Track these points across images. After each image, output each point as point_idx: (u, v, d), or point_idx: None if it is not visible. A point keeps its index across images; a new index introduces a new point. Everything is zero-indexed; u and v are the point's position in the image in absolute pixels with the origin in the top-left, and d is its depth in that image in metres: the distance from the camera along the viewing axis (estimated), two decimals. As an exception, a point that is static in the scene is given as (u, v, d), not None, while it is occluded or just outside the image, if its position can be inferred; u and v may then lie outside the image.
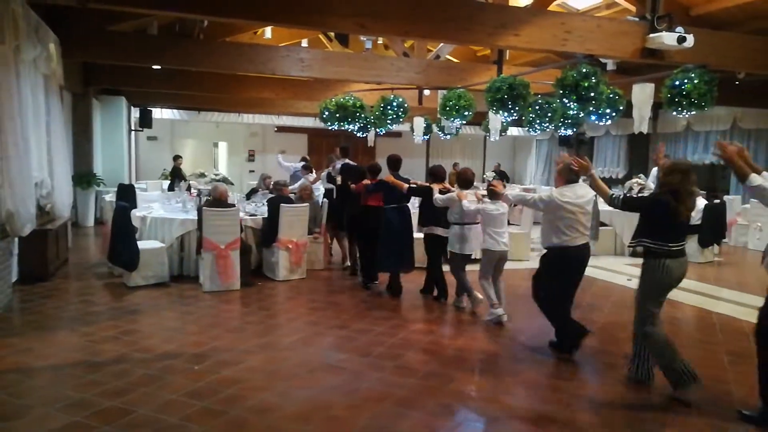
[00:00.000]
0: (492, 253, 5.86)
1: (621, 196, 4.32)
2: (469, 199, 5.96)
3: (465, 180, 6.29)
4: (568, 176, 4.74)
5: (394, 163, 7.10)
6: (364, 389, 4.12)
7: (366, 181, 7.05)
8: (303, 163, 10.67)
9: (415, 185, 6.69)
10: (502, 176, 16.58)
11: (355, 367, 4.56)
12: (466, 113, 8.53)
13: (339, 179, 8.11)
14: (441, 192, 6.25)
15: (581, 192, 4.78)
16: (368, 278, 7.22)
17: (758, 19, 8.66)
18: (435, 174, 6.72)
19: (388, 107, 9.35)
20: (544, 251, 4.98)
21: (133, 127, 15.02)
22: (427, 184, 6.64)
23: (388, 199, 6.78)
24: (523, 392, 4.22)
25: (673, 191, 3.99)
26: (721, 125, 13.13)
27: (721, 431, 3.65)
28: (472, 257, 6.35)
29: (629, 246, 4.87)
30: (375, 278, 7.21)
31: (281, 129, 18.56)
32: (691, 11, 9.27)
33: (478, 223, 6.05)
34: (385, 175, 6.93)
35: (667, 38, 5.96)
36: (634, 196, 4.33)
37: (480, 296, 6.16)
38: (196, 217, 6.96)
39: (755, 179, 3.66)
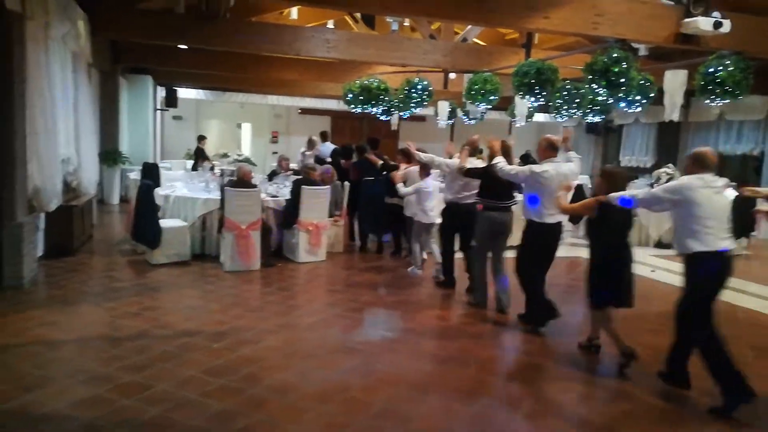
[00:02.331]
0: (422, 224, 6.87)
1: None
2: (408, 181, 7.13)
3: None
4: (545, 153, 5.09)
5: (373, 142, 8.99)
6: (381, 372, 4.12)
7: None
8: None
9: (384, 162, 7.86)
10: (526, 161, 16.36)
11: (372, 350, 4.56)
12: (492, 98, 8.40)
13: (329, 160, 9.35)
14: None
15: (564, 169, 5.07)
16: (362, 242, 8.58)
17: (800, 4, 8.34)
18: (404, 153, 7.60)
19: (413, 90, 9.24)
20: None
21: (158, 106, 15.12)
22: (394, 163, 7.82)
23: (366, 174, 8.13)
24: (536, 379, 4.17)
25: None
26: (755, 115, 12.72)
27: (739, 427, 3.57)
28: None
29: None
30: (363, 245, 8.50)
31: (305, 111, 18.52)
32: (728, -4, 8.97)
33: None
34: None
35: (703, 23, 5.77)
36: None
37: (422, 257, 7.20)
38: (219, 197, 7.00)
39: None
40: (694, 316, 3.82)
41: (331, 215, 7.83)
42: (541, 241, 5.10)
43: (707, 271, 3.75)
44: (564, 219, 5.15)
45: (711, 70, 6.11)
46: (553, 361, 4.59)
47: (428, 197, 6.80)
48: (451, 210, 6.32)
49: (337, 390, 3.78)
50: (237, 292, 5.97)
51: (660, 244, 9.80)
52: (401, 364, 4.31)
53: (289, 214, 7.40)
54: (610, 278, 4.34)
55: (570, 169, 5.12)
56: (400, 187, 6.98)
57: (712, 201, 3.76)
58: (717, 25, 5.74)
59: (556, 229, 5.09)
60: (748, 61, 6.14)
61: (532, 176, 5.01)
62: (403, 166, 7.48)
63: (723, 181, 3.92)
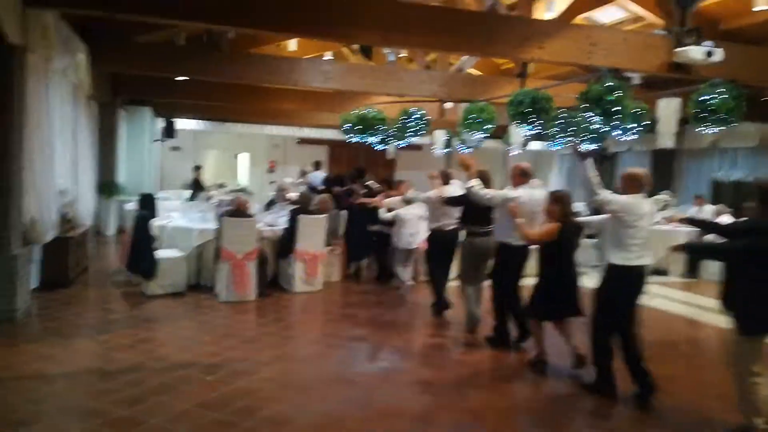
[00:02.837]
0: (399, 249, 7.44)
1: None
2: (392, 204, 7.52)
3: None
4: (518, 180, 5.26)
5: (359, 172, 9.51)
6: (379, 403, 4.05)
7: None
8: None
9: (366, 190, 8.50)
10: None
11: (370, 381, 4.50)
12: (488, 126, 8.46)
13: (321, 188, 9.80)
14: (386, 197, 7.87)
15: (537, 195, 5.23)
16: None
17: (789, 34, 8.48)
18: (386, 183, 8.46)
19: (409, 120, 9.33)
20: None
21: (157, 137, 15.21)
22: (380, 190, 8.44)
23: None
24: (540, 409, 4.10)
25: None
26: (748, 142, 12.81)
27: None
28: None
29: None
30: (347, 271, 8.46)
31: (303, 141, 18.64)
32: (720, 25, 9.11)
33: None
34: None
35: (695, 52, 5.83)
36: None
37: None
38: (215, 227, 6.98)
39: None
40: (609, 322, 4.27)
41: (328, 244, 7.80)
42: (517, 262, 5.35)
43: (624, 282, 4.21)
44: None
45: (704, 98, 6.18)
46: (556, 389, 4.52)
47: (405, 224, 7.31)
48: (434, 237, 6.49)
49: (334, 422, 3.70)
50: (232, 323, 5.91)
51: (657, 272, 9.74)
52: (399, 394, 4.24)
53: (286, 243, 7.37)
54: (559, 294, 4.70)
55: (542, 195, 5.21)
56: (382, 213, 7.51)
57: (643, 221, 4.18)
58: (709, 54, 5.81)
59: (526, 251, 5.37)
60: (740, 89, 6.21)
61: (505, 201, 5.13)
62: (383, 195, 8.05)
63: (650, 202, 4.41)
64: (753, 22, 8.76)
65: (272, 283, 7.45)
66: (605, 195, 4.28)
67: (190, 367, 4.51)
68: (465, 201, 5.66)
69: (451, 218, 6.22)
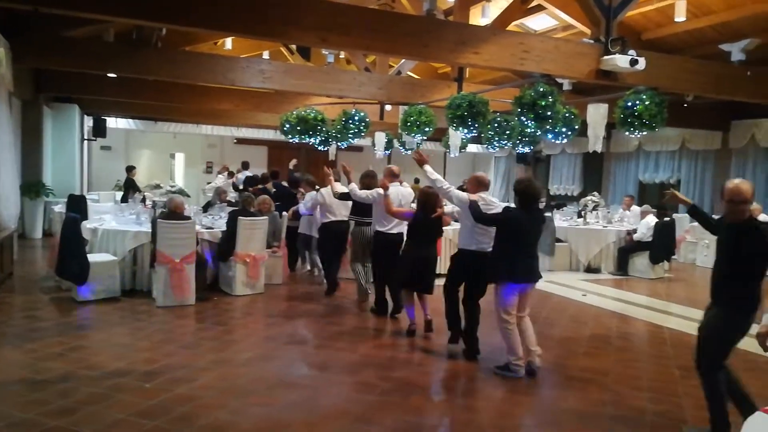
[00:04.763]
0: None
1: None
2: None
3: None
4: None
5: (273, 174, 10.63)
6: (323, 406, 4.06)
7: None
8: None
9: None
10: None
11: (313, 384, 4.49)
12: (427, 129, 8.62)
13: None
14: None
15: (403, 190, 6.61)
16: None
17: (706, 44, 9.07)
18: (308, 182, 8.63)
19: (350, 121, 9.36)
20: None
21: (86, 137, 14.58)
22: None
23: (276, 200, 8.82)
24: (482, 407, 4.22)
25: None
26: (670, 146, 13.61)
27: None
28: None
29: None
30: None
31: (241, 141, 18.34)
32: (642, 35, 9.65)
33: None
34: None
35: (620, 60, 6.15)
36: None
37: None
38: (150, 230, 6.78)
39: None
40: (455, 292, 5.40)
41: (269, 246, 7.72)
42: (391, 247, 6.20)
43: (461, 261, 5.28)
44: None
45: (629, 104, 6.53)
46: (491, 385, 4.66)
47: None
48: (326, 228, 7.47)
49: (277, 427, 3.68)
50: (170, 328, 5.76)
51: (589, 269, 10.21)
52: (344, 396, 4.26)
53: (225, 245, 7.25)
54: (415, 268, 5.68)
55: (408, 191, 6.83)
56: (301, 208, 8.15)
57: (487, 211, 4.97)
58: (633, 62, 6.14)
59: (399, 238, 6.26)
60: (662, 95, 6.60)
61: (378, 198, 6.15)
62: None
63: (495, 199, 5.40)
64: (672, 33, 9.33)
65: (212, 287, 7.31)
66: (453, 191, 5.17)
67: (126, 375, 4.38)
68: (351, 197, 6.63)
69: (344, 212, 7.34)
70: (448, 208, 5.96)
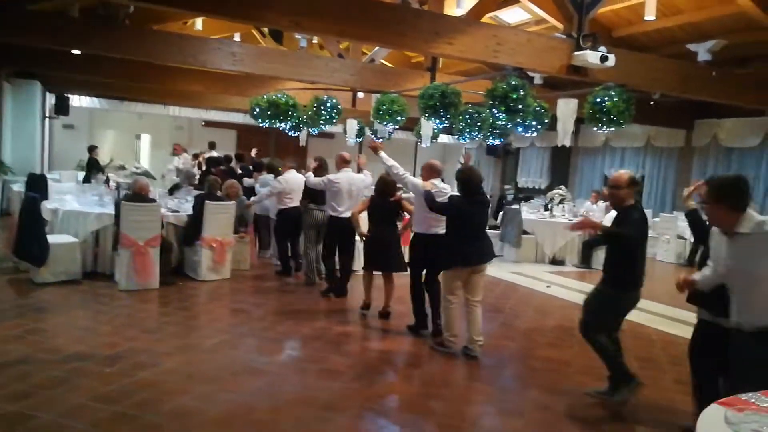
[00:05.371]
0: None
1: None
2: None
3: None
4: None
5: (239, 156, 11.67)
6: (288, 392, 4.05)
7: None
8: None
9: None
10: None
11: (278, 370, 4.48)
12: (399, 118, 8.59)
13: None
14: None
15: (355, 177, 6.79)
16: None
17: (674, 44, 9.24)
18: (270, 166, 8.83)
19: (322, 108, 9.28)
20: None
21: (47, 114, 14.12)
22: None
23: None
24: (445, 395, 4.27)
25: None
26: (636, 142, 13.89)
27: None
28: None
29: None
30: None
31: (209, 124, 18.01)
32: (613, 33, 9.77)
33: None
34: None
35: (591, 56, 6.21)
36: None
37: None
38: (114, 212, 6.62)
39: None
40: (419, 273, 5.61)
41: (236, 231, 7.63)
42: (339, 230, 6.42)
43: (417, 245, 5.55)
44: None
45: (598, 100, 6.63)
46: (457, 375, 4.71)
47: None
48: (282, 214, 7.83)
49: (242, 413, 3.66)
50: (133, 312, 5.66)
51: (554, 261, 10.38)
52: (309, 383, 4.26)
53: (192, 230, 7.14)
54: (373, 249, 6.01)
55: (360, 178, 6.93)
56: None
57: (439, 197, 5.25)
58: (603, 59, 6.21)
59: (346, 221, 6.35)
60: (630, 93, 6.71)
61: (329, 184, 6.61)
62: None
63: (447, 186, 5.67)
64: (642, 31, 9.47)
65: (177, 271, 7.20)
66: (408, 178, 5.46)
67: (86, 359, 4.29)
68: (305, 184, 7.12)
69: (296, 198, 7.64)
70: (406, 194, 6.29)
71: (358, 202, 6.53)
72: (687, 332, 4.03)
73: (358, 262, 6.96)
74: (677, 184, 12.77)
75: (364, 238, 6.20)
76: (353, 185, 6.70)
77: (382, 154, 5.70)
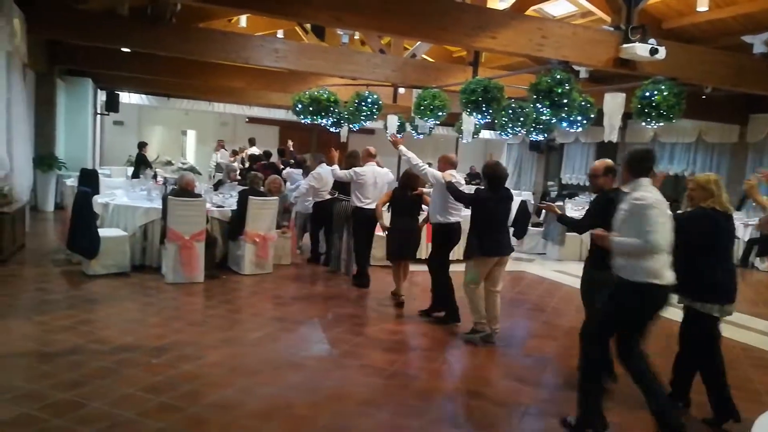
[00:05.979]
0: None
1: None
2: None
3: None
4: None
5: (280, 152, 12.23)
6: (328, 387, 4.07)
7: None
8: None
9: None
10: (475, 177, 16.65)
11: (319, 365, 4.51)
12: (440, 113, 8.52)
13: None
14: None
15: (379, 170, 7.04)
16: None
17: (727, 35, 8.89)
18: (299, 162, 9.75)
19: (363, 103, 9.28)
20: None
21: (98, 111, 14.60)
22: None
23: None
24: (486, 393, 4.22)
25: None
26: (686, 138, 13.43)
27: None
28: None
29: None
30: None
31: (252, 120, 18.32)
32: (663, 24, 9.46)
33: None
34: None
35: (640, 49, 6.03)
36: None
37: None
38: (161, 206, 6.79)
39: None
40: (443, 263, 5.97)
41: (278, 227, 7.72)
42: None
43: (437, 233, 5.88)
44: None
45: (647, 94, 6.43)
46: (498, 373, 4.66)
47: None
48: (318, 205, 8.14)
49: (282, 407, 3.71)
50: (178, 305, 5.80)
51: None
52: (348, 378, 4.28)
53: (235, 225, 7.26)
54: (397, 239, 6.24)
55: (384, 171, 7.23)
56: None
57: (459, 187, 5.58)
58: (653, 51, 6.01)
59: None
60: (681, 86, 6.48)
61: (354, 176, 6.88)
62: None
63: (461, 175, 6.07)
64: (693, 22, 9.14)
65: (221, 265, 7.34)
66: (427, 169, 5.75)
67: (134, 350, 4.41)
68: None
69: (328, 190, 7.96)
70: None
71: (382, 195, 6.79)
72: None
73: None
74: (729, 181, 12.26)
75: (385, 231, 6.44)
76: (378, 178, 6.98)
77: (402, 147, 5.95)
